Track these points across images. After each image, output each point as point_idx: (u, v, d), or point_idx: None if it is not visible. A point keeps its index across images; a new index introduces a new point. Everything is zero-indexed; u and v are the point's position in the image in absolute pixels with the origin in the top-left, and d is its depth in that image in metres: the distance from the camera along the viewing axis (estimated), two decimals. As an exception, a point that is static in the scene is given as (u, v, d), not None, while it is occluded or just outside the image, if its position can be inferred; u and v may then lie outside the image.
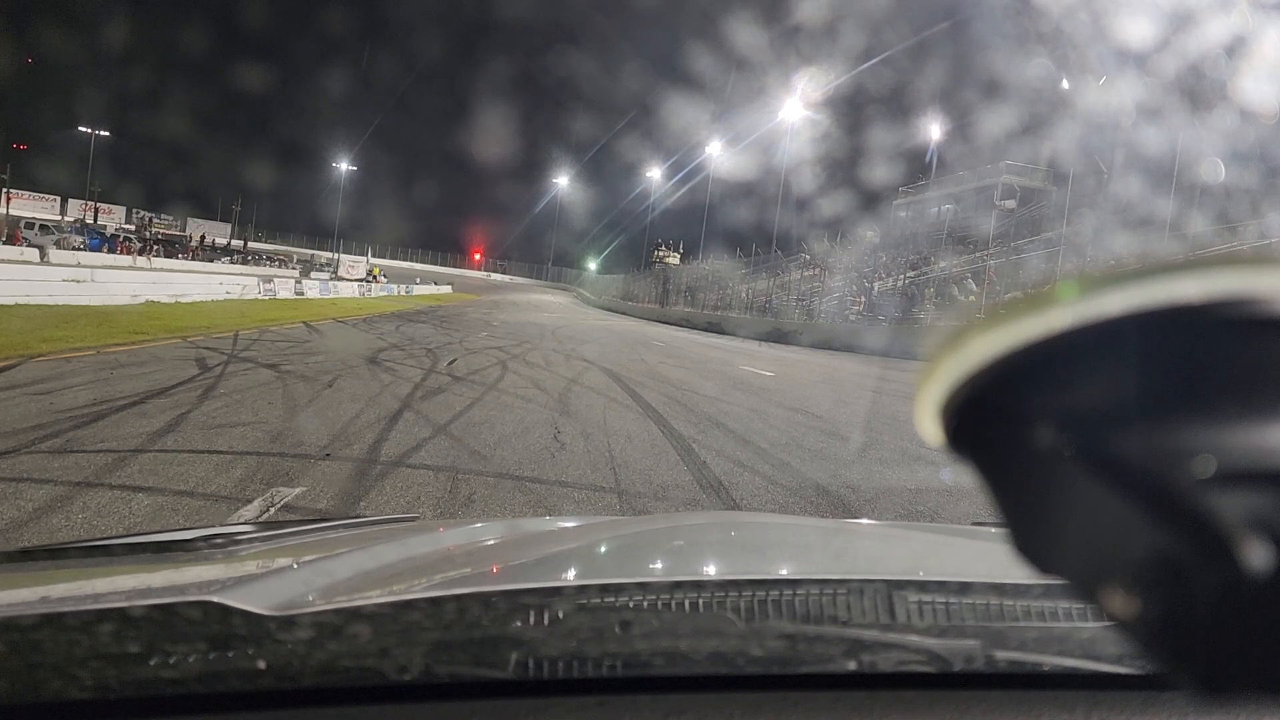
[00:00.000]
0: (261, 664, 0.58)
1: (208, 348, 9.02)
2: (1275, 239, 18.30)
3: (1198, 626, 0.23)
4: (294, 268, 47.31)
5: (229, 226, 65.80)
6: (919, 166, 39.64)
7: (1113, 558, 0.25)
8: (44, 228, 37.37)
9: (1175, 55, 19.05)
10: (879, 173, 40.20)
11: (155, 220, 62.85)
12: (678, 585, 0.71)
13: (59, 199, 62.96)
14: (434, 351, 10.91)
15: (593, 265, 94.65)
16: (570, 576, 0.89)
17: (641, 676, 0.64)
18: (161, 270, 26.13)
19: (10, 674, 0.56)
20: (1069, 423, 0.26)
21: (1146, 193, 20.23)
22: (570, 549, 1.08)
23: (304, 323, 15.14)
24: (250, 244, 61.86)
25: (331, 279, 39.82)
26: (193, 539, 1.00)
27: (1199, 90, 18.88)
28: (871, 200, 41.25)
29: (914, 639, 0.67)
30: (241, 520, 2.95)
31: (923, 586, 0.72)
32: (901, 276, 29.65)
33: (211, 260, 43.42)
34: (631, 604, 0.67)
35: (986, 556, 1.00)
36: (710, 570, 1.03)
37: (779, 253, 39.28)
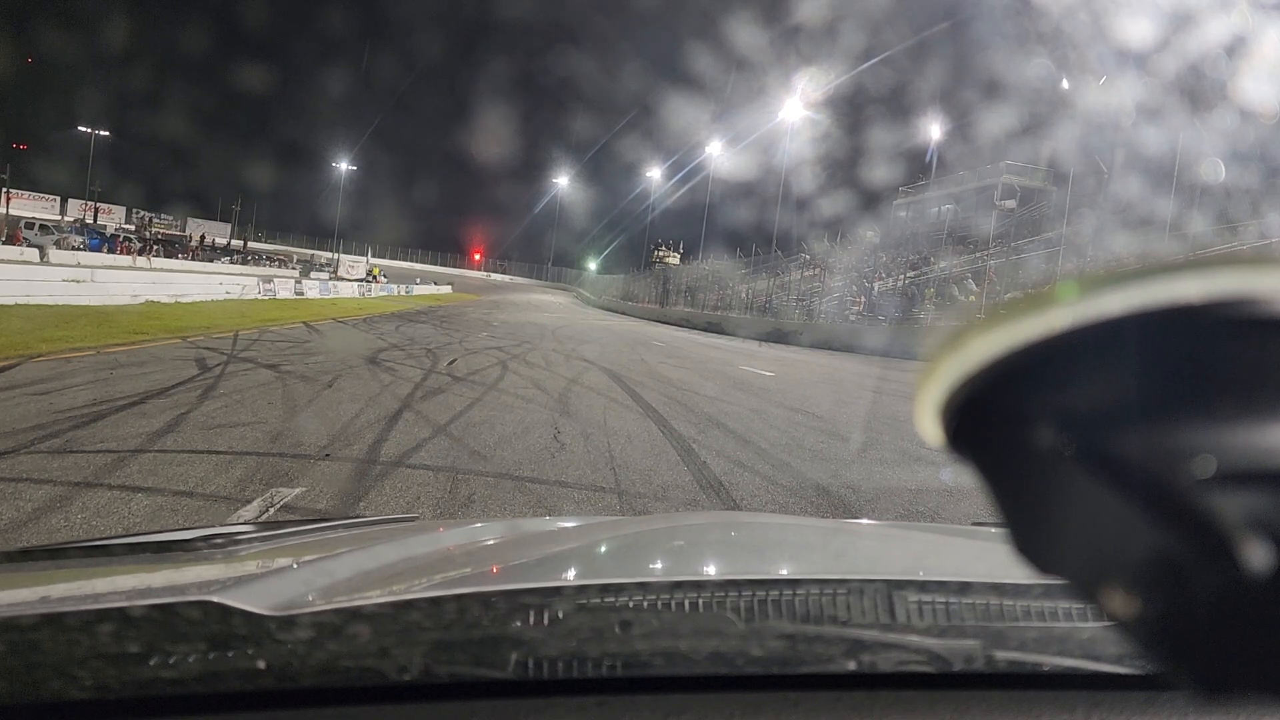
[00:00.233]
0: (261, 664, 0.58)
1: (207, 348, 9.02)
2: (1275, 239, 18.29)
3: (1198, 626, 0.23)
4: (294, 268, 47.32)
5: (229, 226, 65.77)
6: (919, 166, 39.69)
7: (1113, 558, 0.25)
8: (44, 228, 37.37)
9: (1175, 55, 19.05)
10: (879, 173, 40.22)
11: (155, 220, 62.86)
12: (678, 585, 0.71)
13: (59, 199, 62.99)
14: (434, 351, 10.90)
15: (593, 265, 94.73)
16: (570, 576, 0.89)
17: (641, 676, 0.64)
18: (161, 270, 26.14)
19: (10, 674, 0.56)
20: (1069, 423, 0.26)
21: (1147, 193, 20.22)
22: (570, 549, 1.08)
23: (304, 323, 15.14)
24: (250, 244, 61.86)
25: (331, 279, 39.83)
26: (192, 539, 1.00)
27: (1199, 90, 18.88)
28: (871, 200, 41.30)
29: (914, 639, 0.67)
30: (241, 520, 2.95)
31: (923, 586, 0.72)
32: (901, 276, 29.66)
33: (211, 260, 43.42)
34: (631, 604, 0.67)
35: (986, 556, 1.00)
36: (710, 570, 1.03)
37: (779, 253, 39.27)
